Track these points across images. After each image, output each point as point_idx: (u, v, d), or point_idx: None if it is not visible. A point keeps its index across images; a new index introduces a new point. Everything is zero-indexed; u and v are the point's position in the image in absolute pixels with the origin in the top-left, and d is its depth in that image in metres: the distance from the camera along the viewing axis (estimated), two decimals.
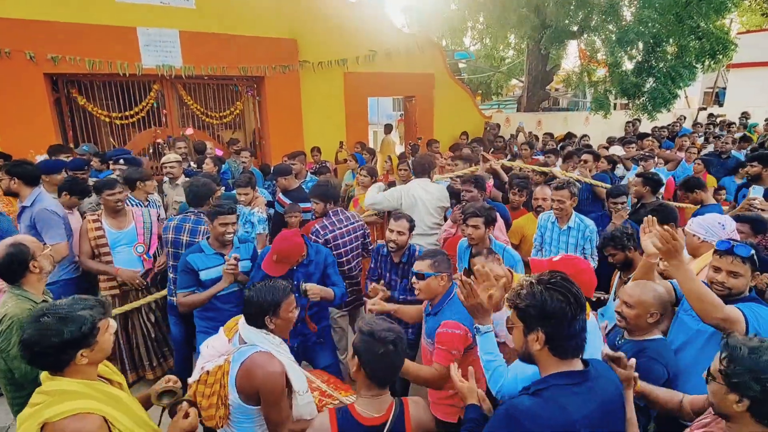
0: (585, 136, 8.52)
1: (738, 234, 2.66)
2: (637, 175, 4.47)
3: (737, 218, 2.95)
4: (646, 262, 2.22)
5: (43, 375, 1.56)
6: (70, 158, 4.82)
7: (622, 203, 3.95)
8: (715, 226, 2.51)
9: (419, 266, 2.36)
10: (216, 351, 1.98)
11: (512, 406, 1.36)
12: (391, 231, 3.18)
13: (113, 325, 1.66)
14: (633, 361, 1.62)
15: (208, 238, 3.02)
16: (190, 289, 2.88)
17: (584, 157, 5.47)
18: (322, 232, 3.45)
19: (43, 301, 2.26)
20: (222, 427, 1.93)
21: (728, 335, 1.44)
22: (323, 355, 3.04)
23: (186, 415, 1.74)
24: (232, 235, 2.93)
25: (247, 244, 3.21)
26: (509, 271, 2.47)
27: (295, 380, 1.93)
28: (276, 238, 2.84)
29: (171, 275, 3.37)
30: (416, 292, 2.38)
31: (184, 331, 3.44)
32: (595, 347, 1.74)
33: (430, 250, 2.61)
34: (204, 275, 2.88)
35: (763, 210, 3.12)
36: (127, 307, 3.52)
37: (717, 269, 2.01)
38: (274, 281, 2.08)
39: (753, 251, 1.93)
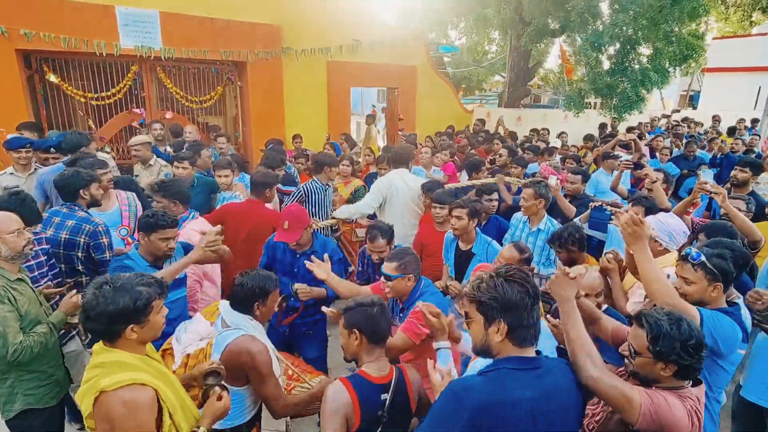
0: (563, 133, 8.73)
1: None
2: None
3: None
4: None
5: (97, 347, 1.59)
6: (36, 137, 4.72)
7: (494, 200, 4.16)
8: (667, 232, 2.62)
9: (387, 268, 2.39)
10: (197, 335, 2.02)
11: (456, 383, 1.39)
12: (372, 252, 3.11)
13: (165, 309, 1.68)
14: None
15: (137, 249, 2.61)
16: None
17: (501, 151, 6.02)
18: None
19: (18, 279, 2.27)
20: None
21: (640, 312, 1.54)
22: (311, 347, 3.06)
23: (219, 398, 1.78)
24: (173, 249, 2.58)
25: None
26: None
27: (273, 363, 2.02)
28: (282, 211, 2.83)
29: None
30: (386, 292, 2.43)
31: None
32: (545, 346, 1.80)
33: (398, 251, 2.54)
34: None
35: (715, 193, 3.10)
36: None
37: (677, 274, 2.08)
38: (265, 271, 2.18)
39: (703, 257, 1.93)
